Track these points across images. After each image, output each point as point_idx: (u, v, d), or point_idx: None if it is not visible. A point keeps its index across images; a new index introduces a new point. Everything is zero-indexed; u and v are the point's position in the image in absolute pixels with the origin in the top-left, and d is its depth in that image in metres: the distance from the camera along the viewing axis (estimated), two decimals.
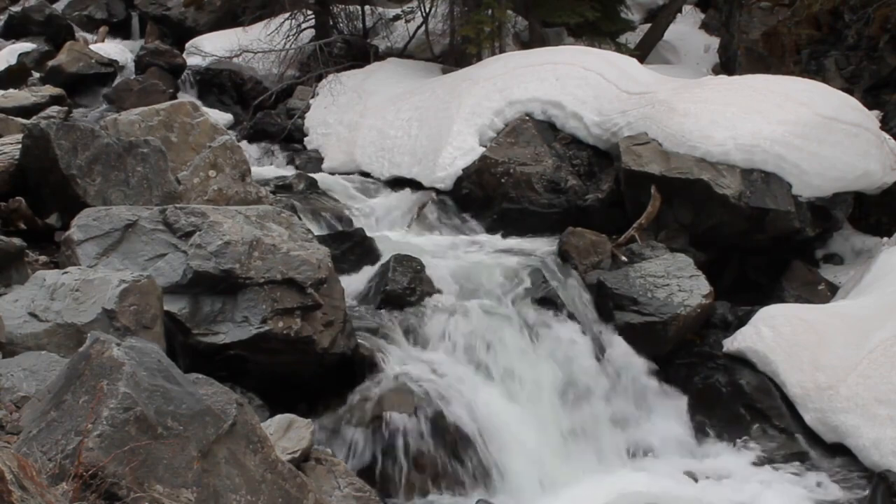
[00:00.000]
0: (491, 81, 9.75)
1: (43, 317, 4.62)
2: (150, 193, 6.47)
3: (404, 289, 6.74)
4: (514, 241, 8.39)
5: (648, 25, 15.08)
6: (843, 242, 8.75)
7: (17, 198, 6.26)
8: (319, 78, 12.20)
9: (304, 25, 13.12)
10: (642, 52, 13.48)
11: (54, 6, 15.86)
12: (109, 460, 2.97)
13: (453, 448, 5.79)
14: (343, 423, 5.72)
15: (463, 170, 9.18)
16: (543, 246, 8.08)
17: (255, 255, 5.50)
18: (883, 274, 7.29)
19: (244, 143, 10.87)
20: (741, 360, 6.80)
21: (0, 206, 6.24)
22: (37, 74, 12.94)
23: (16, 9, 15.35)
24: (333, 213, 8.57)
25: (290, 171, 10.15)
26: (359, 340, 6.01)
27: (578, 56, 10.02)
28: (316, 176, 9.58)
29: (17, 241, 5.43)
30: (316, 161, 10.71)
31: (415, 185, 9.42)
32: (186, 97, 12.05)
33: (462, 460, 5.80)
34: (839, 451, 6.14)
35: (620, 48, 12.85)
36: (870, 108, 9.41)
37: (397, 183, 9.61)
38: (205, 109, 8.65)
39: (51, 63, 12.97)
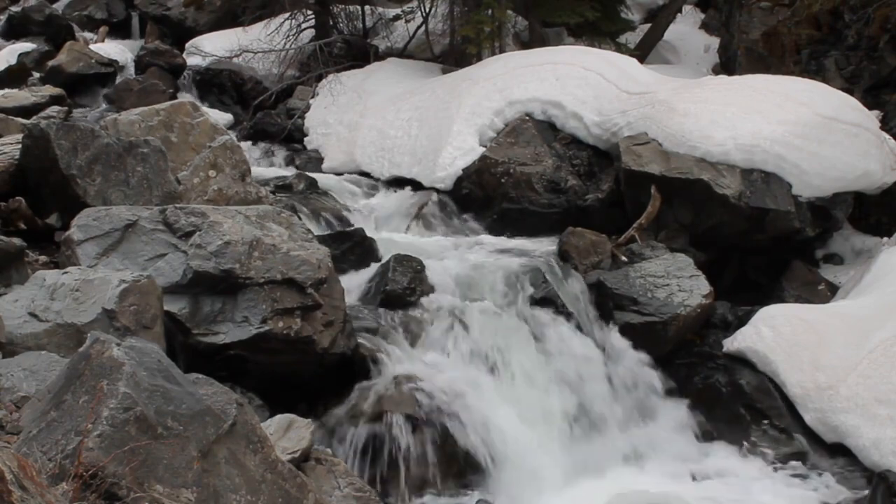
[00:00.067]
0: (491, 81, 9.75)
1: (43, 317, 4.62)
2: (150, 193, 6.47)
3: (404, 289, 6.74)
4: (514, 241, 8.39)
5: (648, 25, 15.08)
6: (843, 242, 8.75)
7: (17, 198, 6.26)
8: (319, 78, 12.20)
9: (304, 25, 13.12)
10: (642, 52, 13.48)
11: (54, 6, 15.85)
12: (109, 460, 2.97)
13: (453, 448, 5.80)
14: (343, 423, 5.72)
15: (463, 170, 9.18)
16: (543, 246, 8.08)
17: (255, 255, 5.50)
18: (883, 274, 7.29)
19: (244, 143, 10.86)
20: (741, 360, 6.80)
21: (0, 206, 6.24)
22: (37, 74, 12.93)
23: (16, 9, 15.33)
24: (333, 213, 8.57)
25: (290, 171, 10.15)
26: (359, 340, 6.01)
27: (578, 56, 10.02)
28: (316, 176, 9.58)
29: (17, 241, 5.42)
30: (316, 161, 10.71)
31: (415, 185, 9.42)
32: (186, 97, 12.04)
33: (462, 460, 5.80)
34: (839, 451, 6.14)
35: (620, 48, 12.85)
36: (870, 108, 9.41)
37: (397, 183, 9.61)
38: (205, 109, 8.65)
39: (51, 63, 12.97)
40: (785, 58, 11.83)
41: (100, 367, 3.21)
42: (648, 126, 8.57)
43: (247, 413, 3.59)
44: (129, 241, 5.51)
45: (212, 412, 3.38)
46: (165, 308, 5.09)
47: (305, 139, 11.32)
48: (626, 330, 6.99)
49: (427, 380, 6.00)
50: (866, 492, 5.78)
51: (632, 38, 14.26)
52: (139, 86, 12.36)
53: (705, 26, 15.85)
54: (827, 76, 10.92)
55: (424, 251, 7.56)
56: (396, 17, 14.36)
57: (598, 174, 9.06)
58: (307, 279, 5.56)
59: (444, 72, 11.61)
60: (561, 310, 6.96)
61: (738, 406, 6.64)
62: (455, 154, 9.25)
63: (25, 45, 13.93)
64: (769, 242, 8.28)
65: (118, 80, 13.11)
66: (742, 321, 7.04)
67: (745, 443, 6.48)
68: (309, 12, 13.17)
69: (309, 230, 6.33)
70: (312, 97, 11.92)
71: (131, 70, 13.71)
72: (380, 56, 12.96)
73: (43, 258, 5.91)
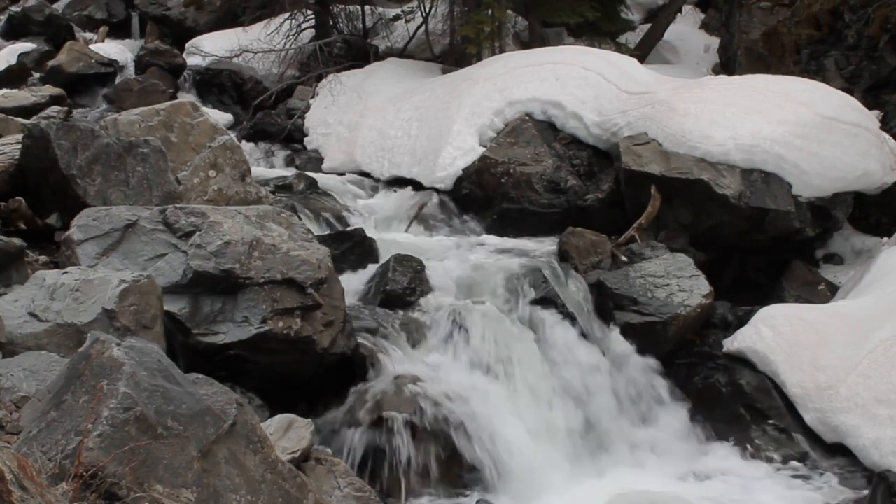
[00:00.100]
0: (491, 81, 9.76)
1: (43, 317, 4.62)
2: (150, 193, 6.47)
3: (404, 289, 6.74)
4: (514, 242, 8.38)
5: (648, 25, 15.08)
6: (843, 242, 8.75)
7: (17, 198, 6.26)
8: (319, 78, 12.21)
9: (304, 25, 13.12)
10: (642, 52, 13.48)
11: (54, 6, 15.85)
12: (109, 460, 2.97)
13: (453, 448, 5.79)
14: (343, 423, 5.72)
15: (463, 170, 9.18)
16: (543, 246, 8.08)
17: (255, 255, 5.50)
18: (883, 274, 7.29)
19: (244, 143, 10.87)
20: (741, 360, 6.80)
21: (0, 206, 6.24)
22: (37, 74, 12.94)
23: (16, 9, 15.34)
24: (333, 213, 8.57)
25: (290, 171, 10.15)
26: (359, 340, 6.01)
27: (578, 56, 10.02)
28: (316, 176, 9.58)
29: (17, 241, 5.43)
30: (316, 161, 10.72)
31: (415, 185, 9.43)
32: (186, 97, 12.05)
33: (462, 460, 5.80)
34: (839, 451, 6.14)
35: (620, 48, 12.85)
36: (870, 108, 9.41)
37: (397, 183, 9.62)
38: (205, 109, 8.65)
39: (51, 63, 12.97)
40: (785, 58, 11.83)
41: (100, 367, 3.21)
42: (648, 126, 8.57)
43: (247, 413, 3.59)
44: (129, 241, 5.51)
45: (212, 412, 3.38)
46: (165, 308, 5.09)
47: (305, 139, 11.32)
48: (626, 330, 6.98)
49: (427, 380, 6.00)
50: (866, 492, 5.77)
51: (632, 38, 14.26)
52: (139, 86, 12.36)
53: (705, 26, 15.85)
54: (827, 76, 10.92)
55: (424, 251, 7.56)
56: (396, 17, 14.36)
57: (598, 174, 9.06)
58: (307, 279, 5.56)
59: (444, 72, 11.61)
60: (561, 310, 6.95)
61: (739, 406, 6.64)
62: (455, 154, 9.25)
63: (25, 45, 13.94)
64: (769, 242, 8.28)
65: (118, 80, 13.12)
66: (742, 321, 7.04)
67: (745, 443, 6.47)
68: (309, 12, 13.17)
69: (309, 230, 6.33)
70: (312, 97, 11.92)
71: (131, 70, 13.72)
72: (380, 56, 12.96)
73: (43, 258, 5.91)
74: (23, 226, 6.20)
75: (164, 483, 3.10)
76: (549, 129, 9.36)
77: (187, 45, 14.12)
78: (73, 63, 12.91)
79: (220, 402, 3.48)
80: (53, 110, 9.80)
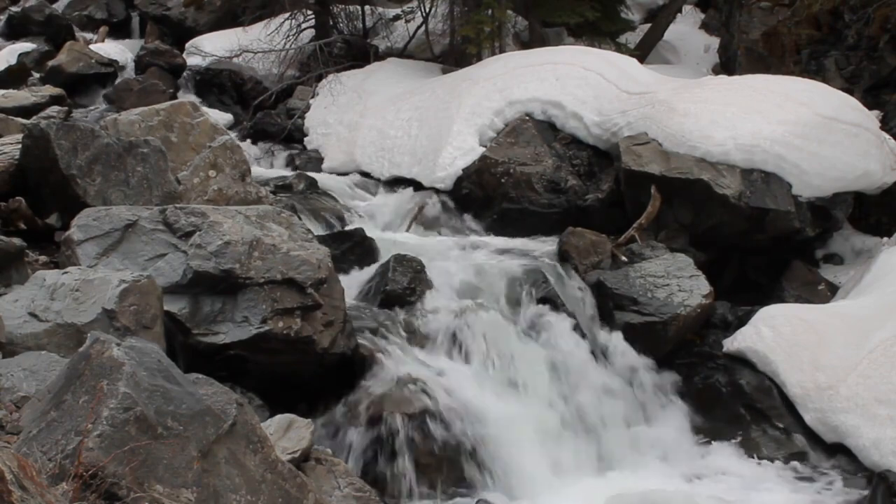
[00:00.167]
0: (491, 81, 9.76)
1: (43, 317, 4.62)
2: (150, 193, 6.47)
3: (404, 289, 6.74)
4: (514, 242, 8.38)
5: (648, 25, 15.08)
6: (843, 242, 8.75)
7: (17, 198, 6.26)
8: (319, 78, 12.21)
9: (304, 25, 13.12)
10: (642, 52, 13.48)
11: (54, 6, 15.86)
12: (109, 460, 2.97)
13: (453, 448, 5.79)
14: (343, 423, 5.72)
15: (463, 170, 9.18)
16: (543, 246, 8.07)
17: (255, 255, 5.50)
18: (883, 274, 7.29)
19: (244, 143, 10.87)
20: (741, 360, 6.80)
21: (0, 206, 6.24)
22: (37, 74, 12.94)
23: (16, 9, 15.34)
24: (333, 213, 8.57)
25: (290, 171, 10.15)
26: (359, 340, 6.00)
27: (578, 56, 10.02)
28: (316, 176, 9.58)
29: (17, 241, 5.43)
30: (316, 161, 10.71)
31: (415, 185, 9.43)
32: (186, 97, 12.05)
33: (462, 460, 5.80)
34: (839, 451, 6.14)
35: (620, 48, 12.85)
36: (870, 108, 9.42)
37: (397, 183, 9.62)
38: (205, 109, 8.65)
39: (51, 63, 12.98)
40: (785, 58, 11.83)
41: (100, 367, 3.21)
42: (648, 126, 8.57)
43: (247, 413, 3.59)
44: (129, 241, 5.51)
45: (212, 412, 3.38)
46: (165, 308, 5.09)
47: (305, 139, 11.32)
48: (626, 330, 6.98)
49: (427, 380, 6.00)
50: (866, 492, 5.77)
51: (632, 38, 14.26)
52: (139, 86, 12.37)
53: (705, 26, 15.85)
54: (827, 76, 10.92)
55: (424, 251, 7.56)
56: (396, 17, 14.36)
57: (598, 174, 9.06)
58: (307, 279, 5.56)
59: (444, 72, 11.61)
60: (561, 310, 6.96)
61: (738, 406, 6.64)
62: (455, 154, 9.25)
63: (25, 45, 13.94)
64: (769, 242, 8.28)
65: (118, 80, 13.12)
66: (742, 321, 7.04)
67: (745, 443, 6.47)
68: (309, 12, 13.17)
69: (309, 230, 6.33)
70: (312, 97, 11.92)
71: (131, 70, 13.73)
72: (380, 56, 12.96)
73: (43, 258, 5.91)
74: (23, 226, 6.20)
75: (164, 483, 3.10)
76: (549, 129, 9.36)
77: (187, 45, 14.12)
78: (73, 63, 12.92)
79: (220, 402, 3.48)
80: (53, 110, 9.80)
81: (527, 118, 9.38)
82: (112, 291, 4.74)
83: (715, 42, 14.57)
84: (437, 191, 9.23)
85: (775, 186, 8.12)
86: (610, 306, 7.14)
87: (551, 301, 7.00)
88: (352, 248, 7.38)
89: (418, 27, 13.35)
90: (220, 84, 13.24)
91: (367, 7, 13.87)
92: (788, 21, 11.93)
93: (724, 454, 6.44)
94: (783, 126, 8.26)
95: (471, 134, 9.34)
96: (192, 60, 13.57)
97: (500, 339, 6.59)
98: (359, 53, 12.96)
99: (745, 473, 6.20)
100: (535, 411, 6.33)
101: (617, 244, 7.85)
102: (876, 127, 8.78)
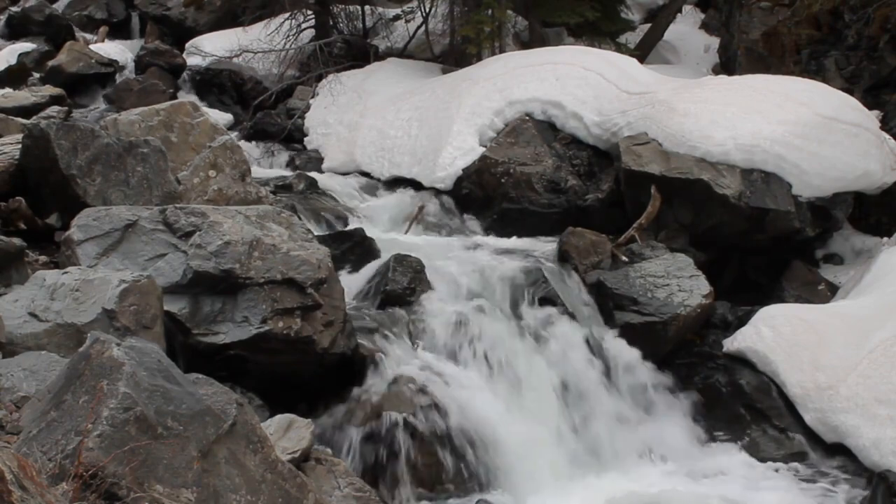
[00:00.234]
0: (491, 81, 9.76)
1: (43, 317, 4.62)
2: (150, 193, 6.47)
3: (404, 289, 6.74)
4: (514, 242, 8.38)
5: (648, 25, 15.09)
6: (843, 242, 8.75)
7: (17, 198, 6.26)
8: (319, 78, 12.21)
9: (304, 25, 13.12)
10: (642, 52, 13.49)
11: (54, 6, 15.85)
12: (109, 460, 2.97)
13: (453, 448, 5.79)
14: (343, 423, 5.72)
15: (463, 170, 9.19)
16: (543, 246, 8.07)
17: (255, 255, 5.50)
18: (883, 274, 7.29)
19: (244, 143, 10.86)
20: (741, 360, 6.80)
21: (0, 206, 6.24)
22: (37, 74, 12.94)
23: (16, 9, 15.34)
24: (333, 213, 8.57)
25: (290, 172, 10.15)
26: (359, 340, 6.00)
27: (578, 56, 10.02)
28: (316, 176, 9.58)
29: (17, 241, 5.42)
30: (316, 161, 10.72)
31: (415, 185, 9.43)
32: (186, 97, 12.05)
33: (461, 460, 5.80)
34: (839, 451, 6.14)
35: (620, 48, 12.85)
36: (870, 108, 9.42)
37: (397, 183, 9.62)
38: (205, 109, 8.66)
39: (51, 63, 12.98)
40: (785, 58, 11.83)
41: (100, 367, 3.21)
42: (648, 126, 8.57)
43: (247, 413, 3.59)
44: (129, 241, 5.51)
45: (212, 412, 3.38)
46: (165, 308, 5.09)
47: (305, 139, 11.32)
48: (625, 330, 6.98)
49: (427, 380, 6.00)
50: (866, 492, 5.77)
51: (632, 38, 14.27)
52: (139, 86, 12.37)
53: (705, 26, 15.86)
54: (827, 76, 10.92)
55: (424, 251, 7.56)
56: (396, 17, 14.36)
57: (598, 174, 9.07)
58: (307, 279, 5.56)
59: (444, 72, 11.61)
60: (561, 310, 6.95)
61: (738, 406, 6.64)
62: (455, 154, 9.26)
63: (25, 45, 13.94)
64: (769, 242, 8.28)
65: (118, 80, 13.13)
66: (742, 321, 7.04)
67: (745, 443, 6.48)
68: (309, 12, 13.17)
69: (309, 230, 6.33)
70: (312, 97, 11.92)
71: (131, 70, 13.73)
72: (380, 56, 12.96)
73: (43, 258, 5.91)
74: (23, 226, 6.20)
75: (164, 483, 3.10)
76: (549, 129, 9.36)
77: (187, 45, 14.13)
78: (73, 63, 12.92)
79: (220, 402, 3.48)
80: (53, 110, 9.81)
81: (527, 118, 9.38)
82: (112, 291, 4.74)
83: (715, 42, 14.57)
84: (437, 191, 9.23)
85: (775, 186, 8.12)
86: (610, 306, 7.13)
87: (551, 301, 7.00)
88: (352, 248, 7.38)
89: (418, 27, 13.35)
90: (220, 84, 13.25)
91: (367, 7, 13.87)
92: (788, 21, 11.93)
93: (724, 454, 6.44)
94: (783, 126, 8.26)
95: (471, 134, 9.35)
96: (192, 60, 13.57)
97: (499, 339, 6.59)
98: (359, 53, 12.96)
99: (744, 473, 6.20)
100: (535, 411, 6.33)
101: (617, 244, 7.85)
102: (876, 127, 8.78)
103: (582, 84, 9.38)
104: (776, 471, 6.20)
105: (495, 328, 6.66)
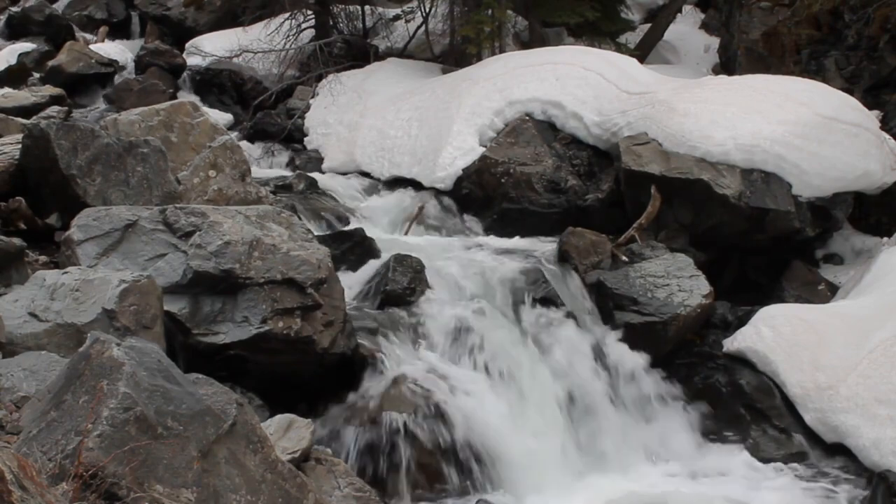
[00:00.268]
0: (491, 81, 9.76)
1: (43, 317, 4.62)
2: (150, 193, 6.47)
3: (404, 289, 6.73)
4: (514, 242, 8.38)
5: (648, 25, 15.09)
6: (843, 242, 8.75)
7: (17, 198, 6.26)
8: (319, 78, 12.21)
9: (304, 25, 13.12)
10: (642, 52, 13.49)
11: (54, 6, 15.86)
12: (109, 460, 2.97)
13: (453, 448, 5.79)
14: (343, 423, 5.71)
15: (463, 170, 9.19)
16: (543, 246, 8.07)
17: (255, 255, 5.50)
18: (883, 274, 7.29)
19: (244, 143, 10.87)
20: (741, 360, 6.79)
21: (0, 206, 6.24)
22: (37, 74, 12.95)
23: (16, 9, 15.35)
24: (333, 213, 8.57)
25: (289, 172, 10.15)
26: (359, 340, 6.00)
27: (578, 56, 10.02)
28: (316, 176, 9.58)
29: (17, 241, 5.42)
30: (316, 161, 10.72)
31: (415, 185, 9.43)
32: (186, 97, 12.05)
33: (462, 460, 5.79)
34: (839, 451, 6.14)
35: (620, 48, 12.85)
36: (870, 108, 9.42)
37: (397, 183, 9.61)
38: (205, 109, 8.66)
39: (51, 63, 12.98)
40: (785, 58, 11.83)
41: (100, 367, 3.21)
42: (648, 126, 8.57)
43: (247, 413, 3.59)
44: (129, 241, 5.51)
45: (212, 412, 3.38)
46: (165, 308, 5.09)
47: (305, 139, 11.32)
48: (625, 330, 6.97)
49: (427, 380, 6.00)
50: (866, 492, 5.77)
51: (632, 38, 14.27)
52: (139, 86, 12.38)
53: (705, 26, 15.86)
54: (827, 76, 10.92)
55: (424, 251, 7.56)
56: (396, 17, 14.36)
57: (598, 174, 9.07)
58: (307, 279, 5.56)
59: (444, 72, 11.61)
60: (561, 310, 6.95)
61: (738, 406, 6.63)
62: (455, 154, 9.26)
63: (25, 45, 13.95)
64: (769, 242, 8.28)
65: (118, 80, 13.13)
66: (742, 321, 7.03)
67: (745, 443, 6.47)
68: (309, 12, 13.18)
69: (309, 230, 6.33)
70: (312, 97, 11.92)
71: (131, 70, 13.73)
72: (380, 56, 12.97)
73: (43, 258, 5.91)
74: (23, 226, 6.20)
75: (164, 483, 3.10)
76: (549, 129, 9.36)
77: (187, 45, 14.13)
78: (73, 63, 12.92)
79: (220, 402, 3.48)
80: (53, 110, 9.81)
81: (527, 118, 9.38)
82: (112, 291, 4.74)
83: (715, 42, 14.57)
84: (437, 191, 9.23)
85: (775, 186, 8.12)
86: (610, 306, 7.13)
87: (551, 301, 7.00)
88: (352, 248, 7.38)
89: (418, 27, 13.35)
90: (220, 84, 13.25)
91: (367, 7, 13.88)
92: (788, 21, 11.93)
93: (725, 454, 6.43)
94: (783, 126, 8.26)
95: (471, 134, 9.35)
96: (192, 60, 13.57)
97: (499, 340, 6.59)
98: (359, 53, 12.96)
99: (746, 474, 6.19)
100: (535, 412, 6.33)
101: (617, 244, 7.85)
102: (876, 127, 8.78)
103: (582, 84, 9.38)
104: (776, 471, 6.19)
105: (495, 328, 6.66)
